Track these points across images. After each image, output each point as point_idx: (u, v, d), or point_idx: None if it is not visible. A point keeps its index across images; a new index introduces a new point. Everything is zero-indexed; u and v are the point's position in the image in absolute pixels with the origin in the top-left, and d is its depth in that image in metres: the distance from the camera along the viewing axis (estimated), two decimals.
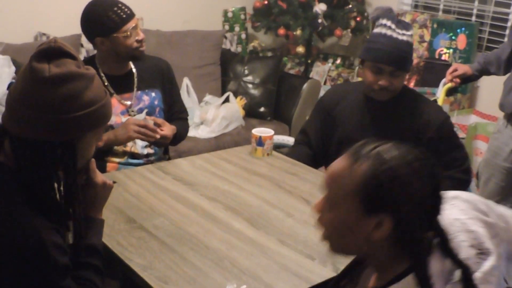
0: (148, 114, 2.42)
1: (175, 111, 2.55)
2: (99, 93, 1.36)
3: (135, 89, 2.41)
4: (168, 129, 2.34)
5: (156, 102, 2.46)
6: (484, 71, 2.84)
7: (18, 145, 1.31)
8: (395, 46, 2.15)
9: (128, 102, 2.39)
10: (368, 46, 2.23)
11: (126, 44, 2.27)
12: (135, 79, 2.42)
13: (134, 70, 2.43)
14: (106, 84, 2.34)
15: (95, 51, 3.67)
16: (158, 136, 2.28)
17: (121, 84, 2.39)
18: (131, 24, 2.25)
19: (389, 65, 2.16)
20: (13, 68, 3.02)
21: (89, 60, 2.40)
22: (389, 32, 2.15)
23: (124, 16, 2.24)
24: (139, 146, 2.40)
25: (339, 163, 1.16)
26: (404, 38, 2.15)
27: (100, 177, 1.53)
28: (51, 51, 1.31)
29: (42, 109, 1.28)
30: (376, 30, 2.20)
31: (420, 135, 2.23)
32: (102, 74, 2.34)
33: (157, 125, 2.31)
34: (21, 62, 3.15)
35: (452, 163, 2.27)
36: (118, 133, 2.26)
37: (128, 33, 2.25)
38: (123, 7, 2.26)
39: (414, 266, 1.12)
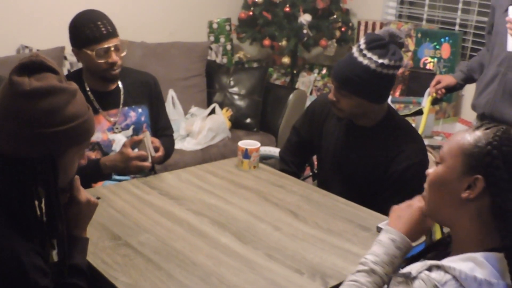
0: (134, 130, 2.39)
1: (160, 127, 2.52)
2: (81, 109, 1.34)
3: (121, 105, 2.38)
4: (162, 151, 2.31)
5: (143, 118, 2.43)
6: (469, 79, 2.86)
7: None
8: (348, 65, 2.07)
9: (115, 119, 2.36)
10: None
11: (94, 63, 2.22)
12: (122, 95, 2.39)
13: (121, 86, 2.40)
14: (92, 99, 2.31)
15: (79, 64, 3.66)
16: (149, 165, 2.25)
17: (107, 100, 2.36)
18: (105, 44, 2.19)
19: (334, 79, 2.13)
20: None
21: (76, 74, 2.37)
22: (355, 53, 2.07)
23: (98, 35, 2.18)
24: None
25: (463, 129, 1.35)
26: (365, 62, 2.04)
27: (84, 194, 1.50)
28: (32, 65, 1.29)
29: (21, 123, 1.26)
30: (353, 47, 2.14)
31: (388, 168, 2.16)
32: (88, 89, 2.31)
33: (155, 148, 2.27)
34: (3, 75, 3.11)
35: (389, 206, 2.18)
36: (118, 167, 2.22)
37: (95, 52, 2.19)
38: (101, 26, 2.19)
39: (505, 246, 1.21)
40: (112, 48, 2.22)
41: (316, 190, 2.29)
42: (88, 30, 2.18)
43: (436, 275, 1.21)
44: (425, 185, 1.38)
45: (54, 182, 1.32)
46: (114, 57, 2.24)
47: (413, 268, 1.26)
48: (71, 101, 1.31)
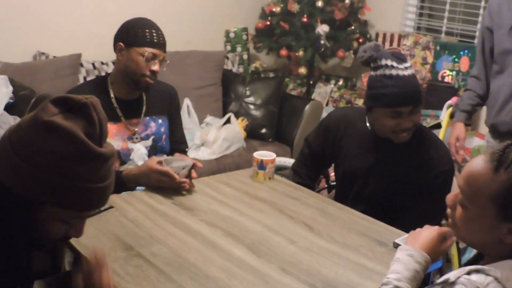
0: (154, 141, 2.39)
1: (175, 141, 2.51)
2: (96, 175, 1.18)
3: (142, 115, 2.38)
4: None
5: (162, 129, 2.43)
6: (475, 109, 2.84)
7: None
8: (407, 85, 2.05)
9: (135, 128, 2.36)
10: (377, 92, 2.09)
11: (138, 64, 2.24)
12: (144, 105, 2.39)
13: (144, 96, 2.40)
14: (115, 106, 2.30)
15: (95, 72, 3.67)
16: (176, 181, 2.18)
17: (130, 109, 2.36)
18: (155, 51, 2.25)
19: (407, 106, 2.07)
20: (10, 88, 2.99)
21: (101, 81, 2.36)
22: (394, 72, 2.05)
23: (156, 41, 2.25)
24: None
25: (481, 165, 1.23)
26: (409, 72, 2.06)
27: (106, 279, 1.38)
28: (75, 103, 1.17)
29: (16, 148, 1.14)
30: (379, 72, 2.09)
31: (416, 177, 2.16)
32: (112, 96, 2.31)
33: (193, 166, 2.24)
34: (19, 81, 3.12)
35: (414, 214, 2.16)
36: (141, 180, 2.17)
37: (147, 54, 2.23)
38: (160, 35, 2.27)
39: None
40: (159, 58, 2.27)
41: (331, 203, 2.25)
42: (147, 32, 2.24)
43: (477, 277, 1.20)
44: (454, 221, 1.34)
45: (24, 229, 1.18)
46: (158, 66, 2.28)
47: (450, 275, 1.25)
48: (86, 162, 1.16)
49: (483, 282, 1.18)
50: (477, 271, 1.21)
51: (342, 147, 2.34)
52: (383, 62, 2.08)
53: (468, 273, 1.22)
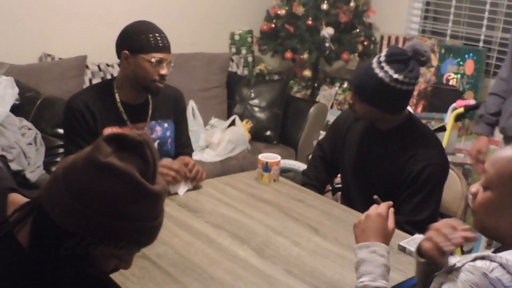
0: (159, 145, 2.39)
1: (180, 144, 2.50)
2: (151, 214, 1.17)
3: (148, 119, 2.38)
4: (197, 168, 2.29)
5: (168, 133, 2.42)
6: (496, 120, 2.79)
7: (40, 224, 1.15)
8: (364, 74, 2.10)
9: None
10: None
11: (147, 70, 2.21)
12: (150, 109, 2.38)
13: (150, 100, 2.39)
14: (121, 111, 2.30)
15: (101, 74, 3.67)
16: (179, 178, 2.22)
17: (136, 113, 2.35)
18: (162, 55, 2.22)
19: (351, 84, 2.16)
20: (16, 90, 3.00)
21: (107, 84, 2.36)
22: (374, 63, 2.09)
23: (161, 45, 2.22)
24: None
25: (507, 149, 1.29)
26: (380, 74, 2.05)
27: None
28: (129, 141, 1.15)
29: (72, 189, 1.12)
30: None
31: (404, 169, 2.16)
32: (118, 100, 2.31)
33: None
34: (25, 83, 3.14)
35: (407, 209, 2.15)
36: None
37: (155, 60, 2.20)
38: (164, 38, 2.25)
39: None
40: (167, 62, 2.26)
41: (336, 205, 2.26)
42: (151, 37, 2.21)
43: (482, 263, 1.21)
44: (474, 207, 1.36)
45: (79, 265, 1.18)
46: (166, 70, 2.26)
47: (457, 261, 1.27)
48: (140, 202, 1.14)
49: (488, 268, 1.19)
50: (482, 258, 1.22)
51: (346, 140, 2.37)
52: (382, 54, 2.10)
53: (474, 260, 1.23)
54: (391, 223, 1.55)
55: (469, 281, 1.20)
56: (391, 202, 1.62)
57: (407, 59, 2.07)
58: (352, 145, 2.34)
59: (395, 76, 2.04)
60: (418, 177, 2.13)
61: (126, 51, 2.23)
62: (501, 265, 1.18)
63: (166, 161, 2.20)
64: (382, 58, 2.08)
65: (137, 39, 2.21)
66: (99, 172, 1.10)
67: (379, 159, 2.22)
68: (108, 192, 1.10)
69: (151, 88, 2.26)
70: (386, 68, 2.06)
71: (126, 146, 1.14)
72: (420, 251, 1.44)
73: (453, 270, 1.26)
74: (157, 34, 2.23)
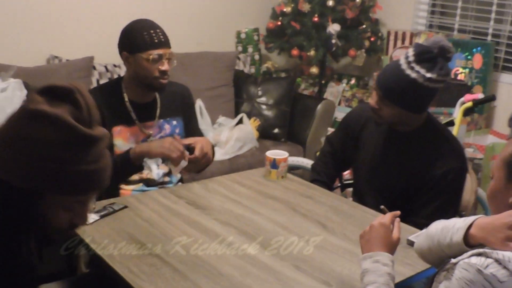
0: None
1: None
2: (89, 157, 1.17)
3: (157, 117, 2.38)
4: (201, 149, 2.25)
5: (177, 131, 2.43)
6: None
7: None
8: (395, 76, 2.05)
9: (150, 131, 2.36)
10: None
11: (147, 68, 2.22)
12: (158, 108, 2.39)
13: (158, 98, 2.39)
14: (129, 110, 2.31)
15: (108, 74, 3.69)
16: (186, 160, 2.20)
17: (145, 112, 2.35)
18: (160, 51, 2.21)
19: (379, 88, 2.10)
20: (24, 92, 3.02)
21: (114, 84, 2.36)
22: (403, 64, 2.04)
23: (157, 41, 2.21)
24: (155, 173, 2.36)
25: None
26: (413, 75, 2.02)
27: None
28: (59, 89, 1.18)
29: (6, 140, 1.14)
30: (401, 56, 2.10)
31: (426, 173, 2.14)
32: (126, 99, 2.31)
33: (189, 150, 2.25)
34: (33, 85, 3.15)
35: (427, 212, 2.13)
36: (153, 145, 2.20)
37: (152, 57, 2.20)
38: (159, 33, 2.23)
39: None
40: (166, 57, 2.24)
41: (345, 201, 2.25)
42: (146, 35, 2.20)
43: (476, 260, 1.19)
44: (486, 197, 1.43)
45: (26, 222, 1.19)
46: (167, 65, 2.25)
47: (453, 258, 1.27)
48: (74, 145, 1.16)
49: (483, 264, 1.17)
50: (478, 254, 1.21)
51: (361, 139, 2.35)
52: (409, 52, 2.05)
53: (469, 256, 1.22)
54: (396, 232, 1.55)
55: (463, 278, 1.19)
56: (398, 212, 1.62)
57: (434, 57, 2.03)
58: (368, 146, 2.32)
59: (428, 75, 2.01)
60: (440, 181, 2.12)
61: (125, 52, 2.25)
62: (496, 260, 1.17)
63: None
64: (411, 59, 2.03)
65: (133, 39, 2.22)
66: (30, 120, 1.13)
67: (399, 162, 2.20)
68: (41, 138, 1.12)
69: (154, 85, 2.26)
70: (417, 68, 2.02)
71: (57, 94, 1.16)
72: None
73: (450, 268, 1.26)
74: (151, 31, 2.22)
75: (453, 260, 1.25)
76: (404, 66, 2.04)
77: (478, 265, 1.18)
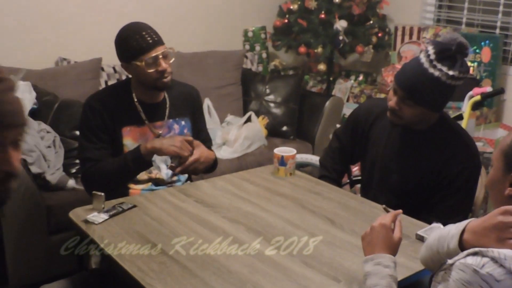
0: None
1: (201, 140, 2.51)
2: None
3: (166, 117, 2.38)
4: (199, 153, 2.28)
5: (185, 131, 2.43)
6: None
7: None
8: (418, 75, 2.02)
9: (159, 131, 2.37)
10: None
11: (145, 73, 2.21)
12: (167, 108, 2.39)
13: (167, 98, 2.40)
14: (139, 110, 2.32)
15: (116, 75, 3.70)
16: (188, 155, 2.22)
17: (154, 112, 2.36)
18: (152, 53, 2.18)
19: (401, 89, 2.06)
20: (33, 94, 3.04)
21: (124, 85, 2.37)
22: (425, 63, 2.01)
23: (145, 45, 2.18)
24: (164, 173, 2.38)
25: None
26: (437, 73, 1.99)
27: None
28: None
29: None
30: (420, 55, 2.07)
31: (441, 170, 2.13)
32: (136, 100, 2.32)
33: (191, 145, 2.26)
34: (42, 87, 3.18)
35: (442, 211, 2.13)
36: (164, 141, 2.20)
37: (146, 62, 2.19)
38: (146, 36, 2.19)
39: None
40: (160, 56, 2.21)
41: (353, 197, 2.25)
42: (134, 42, 2.18)
43: (472, 260, 1.19)
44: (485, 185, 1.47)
45: None
46: (164, 64, 2.22)
47: (449, 259, 1.27)
48: None
49: (479, 264, 1.17)
50: (474, 254, 1.20)
51: (371, 136, 2.34)
52: (429, 49, 2.02)
53: (465, 256, 1.22)
54: (397, 232, 1.55)
55: (460, 280, 1.18)
56: (399, 211, 1.62)
57: (454, 54, 2.00)
58: (378, 143, 2.30)
59: (451, 73, 1.98)
60: (455, 180, 2.11)
61: (121, 62, 2.27)
62: (492, 259, 1.16)
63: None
64: (433, 57, 2.00)
65: (125, 48, 2.22)
66: None
67: (413, 160, 2.19)
68: None
69: (158, 86, 2.27)
70: (439, 66, 1.99)
71: None
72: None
73: (447, 268, 1.25)
74: (137, 36, 2.19)
75: (449, 261, 1.25)
76: (426, 64, 2.01)
77: (474, 265, 1.17)
